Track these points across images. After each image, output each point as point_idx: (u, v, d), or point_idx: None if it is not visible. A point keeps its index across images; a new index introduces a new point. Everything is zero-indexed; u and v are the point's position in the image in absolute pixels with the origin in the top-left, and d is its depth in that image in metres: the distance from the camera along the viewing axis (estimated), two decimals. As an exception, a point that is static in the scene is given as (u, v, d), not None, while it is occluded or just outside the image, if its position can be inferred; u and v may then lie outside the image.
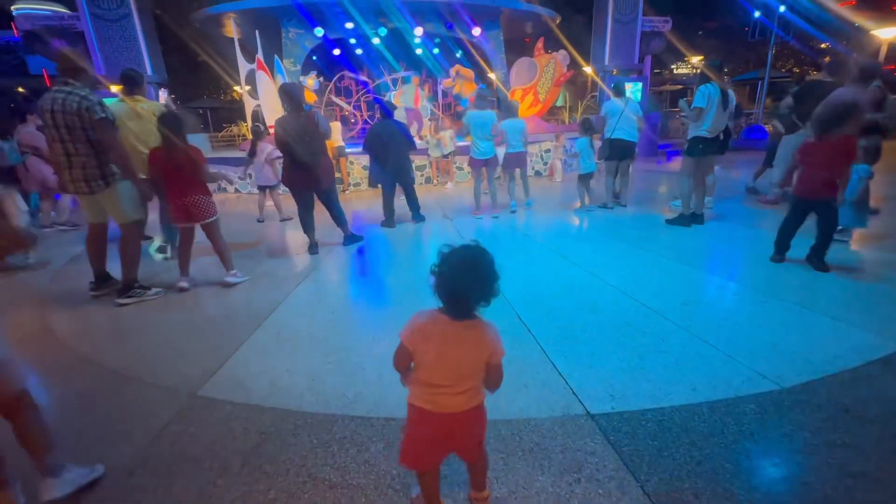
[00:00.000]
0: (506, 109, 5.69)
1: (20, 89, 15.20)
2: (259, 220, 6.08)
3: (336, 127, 7.48)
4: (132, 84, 3.89)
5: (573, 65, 11.77)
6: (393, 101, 10.15)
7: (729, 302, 3.04)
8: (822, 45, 21.93)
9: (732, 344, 2.36)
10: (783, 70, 22.68)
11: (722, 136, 4.64)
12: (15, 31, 10.51)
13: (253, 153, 5.94)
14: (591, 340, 2.48)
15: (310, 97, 9.75)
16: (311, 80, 9.96)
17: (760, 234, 4.47)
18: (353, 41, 11.74)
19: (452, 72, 10.81)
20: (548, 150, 9.30)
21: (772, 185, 5.66)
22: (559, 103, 16.80)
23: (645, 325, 2.64)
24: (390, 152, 5.12)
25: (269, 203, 6.36)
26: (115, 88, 9.75)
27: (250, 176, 8.06)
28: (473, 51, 12.50)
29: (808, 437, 1.69)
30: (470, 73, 10.68)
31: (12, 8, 10.78)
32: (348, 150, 8.08)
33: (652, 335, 2.51)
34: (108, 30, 9.62)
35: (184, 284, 3.51)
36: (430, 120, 10.12)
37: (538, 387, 2.07)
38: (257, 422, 1.91)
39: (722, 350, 2.31)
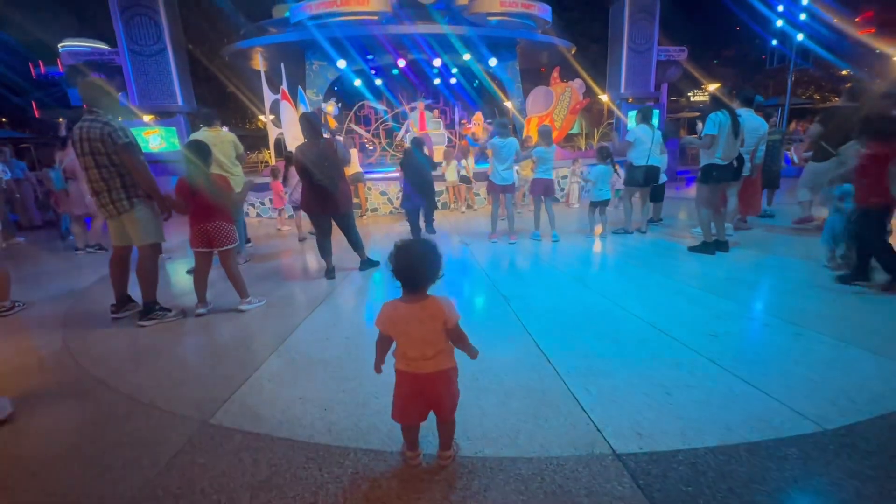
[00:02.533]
0: (542, 135, 5.62)
1: (61, 119, 16.12)
2: (301, 240, 6.33)
3: (354, 154, 7.66)
4: (210, 119, 5.10)
5: (589, 93, 11.85)
6: (411, 129, 10.43)
7: (760, 333, 2.89)
8: (843, 72, 21.75)
9: (766, 379, 2.21)
10: (803, 97, 22.41)
11: (735, 164, 4.56)
12: (60, 66, 11.20)
13: (285, 178, 6.47)
14: (615, 373, 2.37)
15: (333, 123, 10.09)
16: (330, 107, 10.29)
17: (787, 262, 4.30)
18: (373, 72, 12.16)
19: (474, 120, 11.36)
20: (565, 177, 9.28)
21: (801, 206, 5.52)
22: (575, 130, 16.95)
23: (671, 357, 2.52)
24: (415, 180, 5.69)
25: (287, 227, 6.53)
26: (147, 118, 10.28)
27: (271, 201, 8.28)
28: (490, 80, 12.78)
29: (860, 486, 1.54)
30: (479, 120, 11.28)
31: (59, 45, 11.60)
32: (366, 176, 8.22)
33: (679, 368, 2.38)
34: (144, 64, 10.18)
35: (201, 311, 3.53)
36: (446, 147, 10.29)
37: (560, 422, 1.96)
38: (268, 453, 1.85)
39: (756, 386, 2.16)
